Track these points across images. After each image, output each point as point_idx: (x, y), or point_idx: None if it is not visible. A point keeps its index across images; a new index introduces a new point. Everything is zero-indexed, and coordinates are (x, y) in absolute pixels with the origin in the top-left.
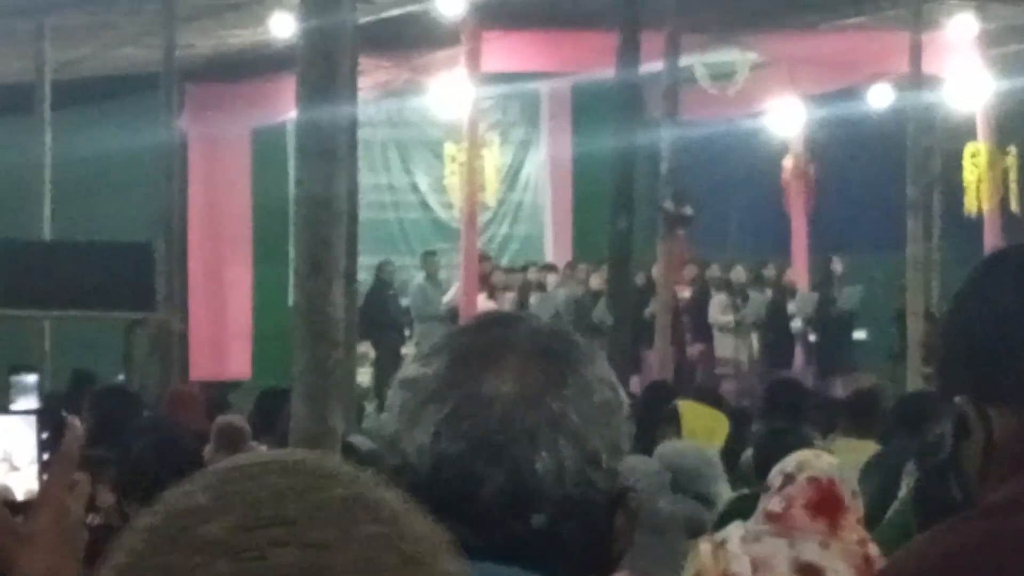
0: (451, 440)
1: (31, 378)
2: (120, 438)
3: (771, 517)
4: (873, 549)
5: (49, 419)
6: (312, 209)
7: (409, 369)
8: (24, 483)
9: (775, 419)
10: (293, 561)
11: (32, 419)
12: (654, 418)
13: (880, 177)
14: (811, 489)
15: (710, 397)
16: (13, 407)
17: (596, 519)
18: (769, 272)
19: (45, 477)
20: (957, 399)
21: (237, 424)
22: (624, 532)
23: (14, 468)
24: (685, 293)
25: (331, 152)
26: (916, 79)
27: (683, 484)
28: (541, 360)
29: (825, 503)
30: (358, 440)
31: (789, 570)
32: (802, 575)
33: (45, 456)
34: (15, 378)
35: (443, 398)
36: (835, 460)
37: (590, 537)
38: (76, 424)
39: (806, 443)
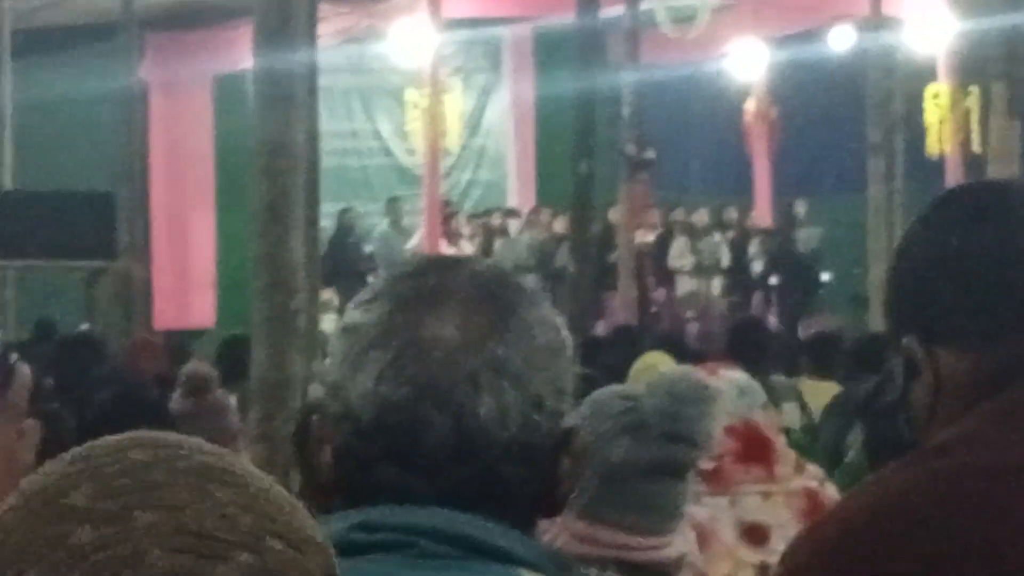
0: (394, 386)
1: None
2: (82, 388)
3: (705, 476)
4: (813, 474)
5: None
6: (270, 156)
7: (350, 315)
8: None
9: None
10: (154, 521)
11: None
12: (621, 364)
13: (842, 119)
14: (731, 440)
15: (673, 344)
16: None
17: (540, 462)
18: (731, 215)
19: None
20: (905, 339)
21: (204, 371)
22: (570, 475)
23: None
24: (648, 237)
25: (288, 99)
26: (877, 21)
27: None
28: (482, 304)
29: (752, 449)
30: (319, 389)
31: (735, 534)
32: (748, 538)
33: None
34: None
35: (385, 344)
36: (731, 385)
37: (535, 480)
38: (24, 371)
39: (770, 387)
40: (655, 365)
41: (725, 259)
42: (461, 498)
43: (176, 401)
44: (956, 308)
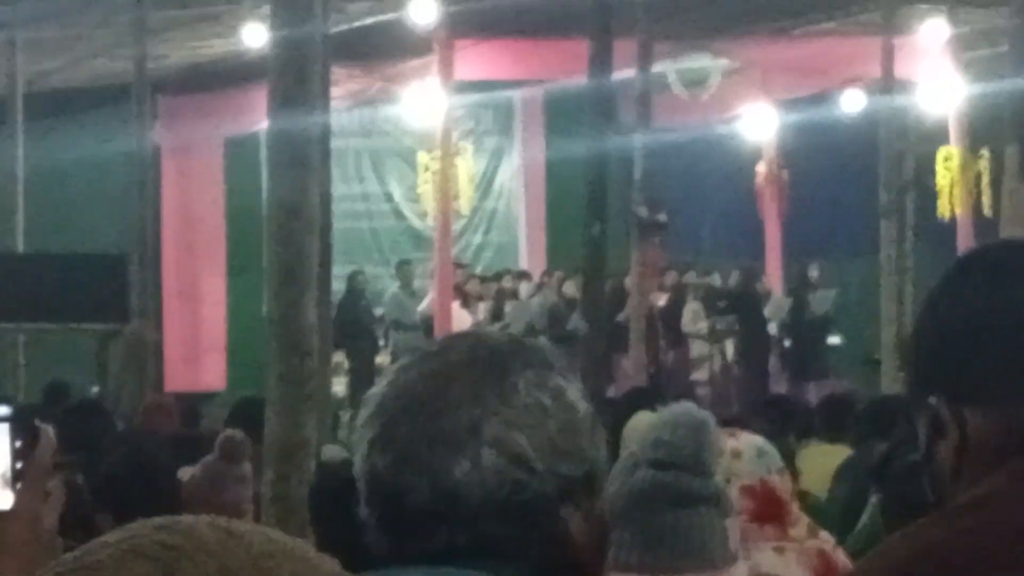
0: (380, 455)
1: (2, 411)
2: (92, 453)
3: None
4: (825, 539)
5: (22, 427)
6: (284, 219)
7: (371, 389)
8: None
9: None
10: None
11: (5, 427)
12: None
13: (853, 182)
14: (747, 500)
15: None
16: None
17: (535, 520)
18: (742, 278)
19: (19, 486)
20: (931, 399)
21: (240, 438)
22: (588, 536)
23: None
24: (660, 301)
25: (303, 161)
26: (888, 84)
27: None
28: (471, 369)
29: (766, 509)
30: (332, 450)
31: None
32: None
33: (18, 465)
34: None
35: (380, 415)
36: (750, 446)
37: (535, 539)
38: (49, 432)
39: (787, 450)
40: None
41: (738, 323)
42: (450, 558)
43: (208, 464)
44: (983, 368)
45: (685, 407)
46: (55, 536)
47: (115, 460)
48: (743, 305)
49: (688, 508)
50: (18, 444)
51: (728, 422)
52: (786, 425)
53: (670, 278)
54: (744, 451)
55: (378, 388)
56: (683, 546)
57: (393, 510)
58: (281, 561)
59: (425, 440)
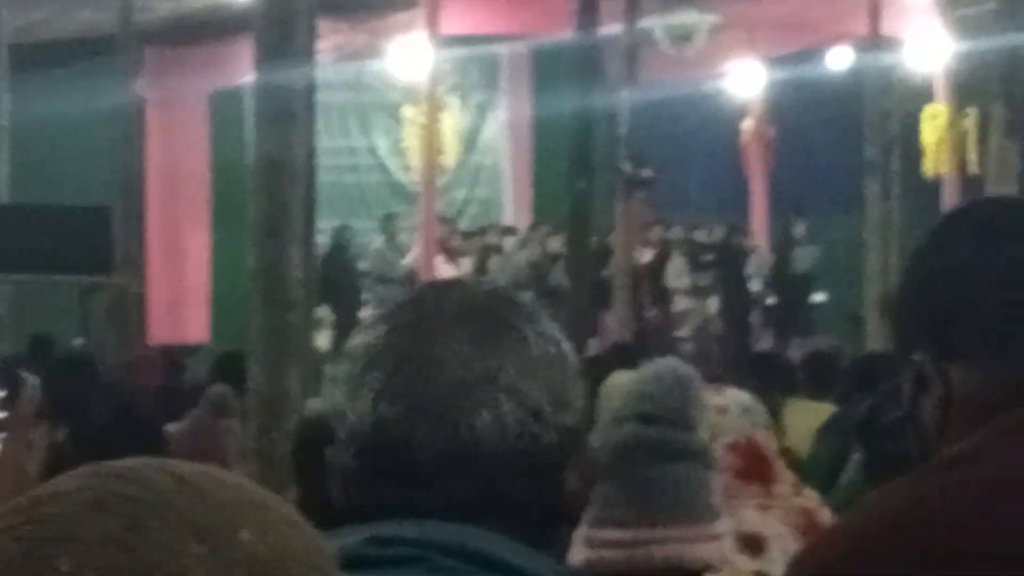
0: (389, 404)
1: None
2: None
3: None
4: (809, 496)
5: (6, 378)
6: (269, 172)
7: (353, 340)
8: None
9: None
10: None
11: None
12: None
13: (839, 139)
14: (732, 456)
15: None
16: None
17: (544, 474)
18: (728, 234)
19: (2, 436)
20: (916, 355)
21: (228, 394)
22: (579, 490)
23: None
24: (644, 256)
25: (288, 115)
26: (875, 41)
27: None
28: (475, 320)
29: (751, 466)
30: (316, 404)
31: (732, 543)
32: (745, 547)
33: (2, 415)
34: None
35: (381, 365)
36: (736, 403)
37: (541, 493)
38: (33, 383)
39: (775, 407)
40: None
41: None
42: (462, 512)
43: (196, 418)
44: (968, 324)
45: (670, 362)
46: (38, 484)
47: (101, 413)
48: (726, 261)
49: (673, 462)
50: (1, 394)
51: (713, 379)
52: (770, 382)
53: (655, 234)
54: (730, 407)
55: (367, 338)
56: (669, 500)
57: (404, 461)
58: (242, 510)
59: (443, 390)
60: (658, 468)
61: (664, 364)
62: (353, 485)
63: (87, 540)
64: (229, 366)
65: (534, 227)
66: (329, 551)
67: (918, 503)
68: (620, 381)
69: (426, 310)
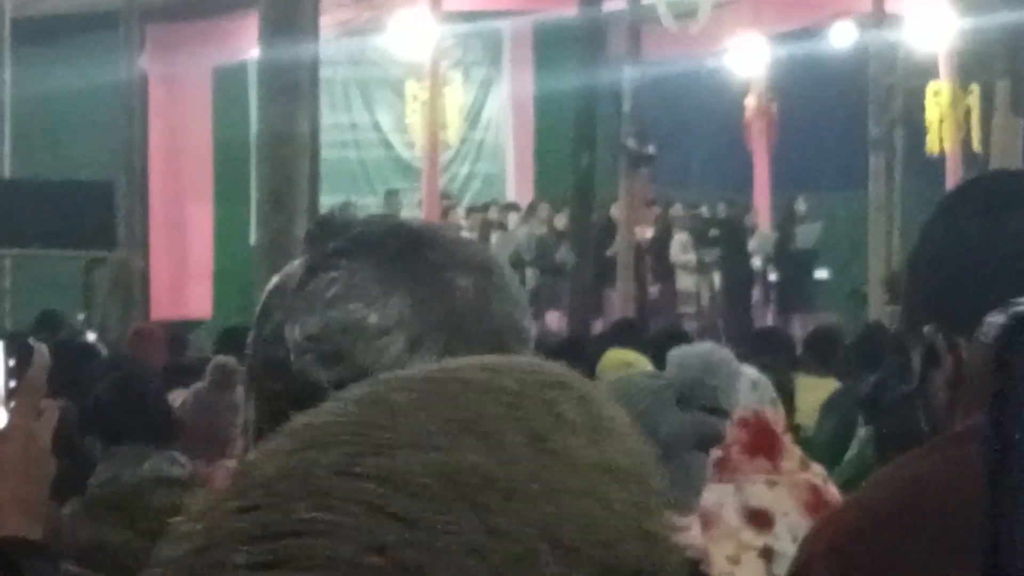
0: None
1: None
2: (82, 376)
3: (713, 464)
4: (816, 472)
5: (16, 346)
6: (274, 146)
7: (359, 314)
8: None
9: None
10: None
11: None
12: None
13: (842, 116)
14: (740, 431)
15: (676, 338)
16: None
17: None
18: (731, 210)
19: (12, 405)
20: (925, 329)
21: (232, 366)
22: None
23: None
24: (647, 233)
25: (293, 89)
26: (878, 17)
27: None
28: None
29: (760, 441)
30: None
31: (739, 518)
32: (752, 522)
33: (12, 384)
34: None
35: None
36: (744, 378)
37: None
38: (43, 351)
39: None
40: (625, 361)
41: (724, 254)
42: None
43: (199, 392)
44: (977, 297)
45: (725, 352)
46: (48, 454)
47: (104, 386)
48: (728, 237)
49: (706, 450)
50: (11, 363)
51: None
52: (776, 358)
53: (657, 211)
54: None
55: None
56: (699, 484)
57: None
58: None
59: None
60: (700, 457)
61: (718, 354)
62: None
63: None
64: (234, 340)
65: (535, 203)
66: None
67: (930, 478)
68: (619, 358)
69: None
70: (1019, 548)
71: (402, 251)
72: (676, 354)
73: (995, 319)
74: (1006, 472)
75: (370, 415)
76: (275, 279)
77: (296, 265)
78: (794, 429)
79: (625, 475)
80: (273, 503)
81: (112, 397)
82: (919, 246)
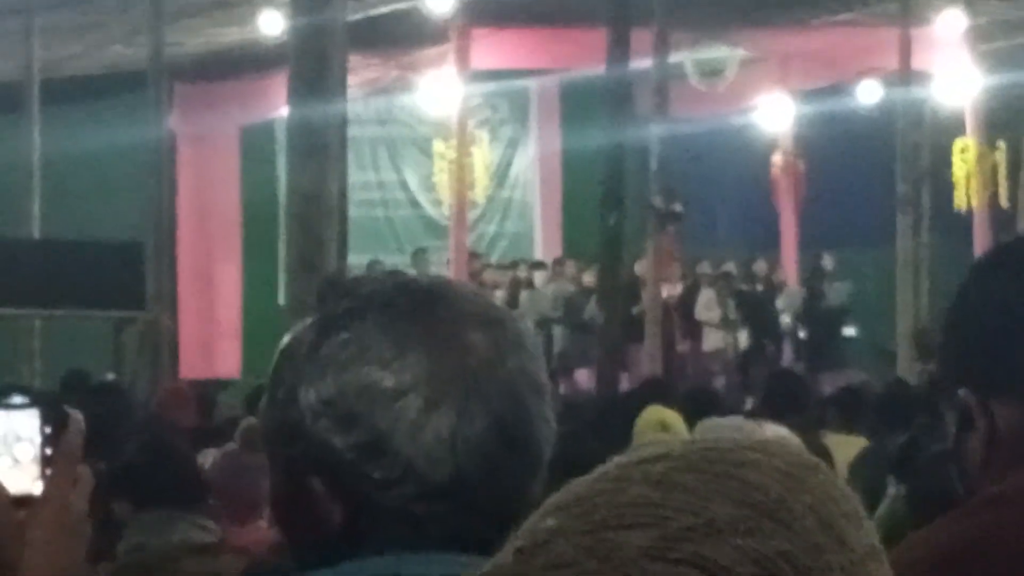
0: (469, 427)
1: (18, 401)
2: (112, 438)
3: None
4: None
5: (52, 413)
6: (303, 206)
7: (377, 375)
8: (26, 478)
9: (773, 414)
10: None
11: (35, 413)
12: None
13: (869, 173)
14: None
15: (704, 397)
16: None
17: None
18: (759, 268)
19: (48, 472)
20: (960, 391)
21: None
22: None
23: (16, 463)
24: (675, 290)
25: (322, 149)
26: (905, 75)
27: None
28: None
29: None
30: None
31: None
32: None
33: (48, 451)
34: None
35: (444, 396)
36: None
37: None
38: (79, 418)
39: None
40: (661, 420)
41: (752, 312)
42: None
43: (229, 454)
44: (1012, 361)
45: (747, 425)
46: (85, 522)
47: (135, 448)
48: (756, 295)
49: None
50: (47, 430)
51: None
52: (804, 416)
53: (683, 268)
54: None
55: (396, 377)
56: None
57: (487, 498)
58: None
59: (511, 399)
60: None
61: (735, 422)
62: (405, 523)
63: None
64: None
65: (561, 260)
66: None
67: (964, 542)
68: (652, 417)
69: (444, 325)
70: None
71: (413, 309)
72: (707, 426)
73: None
74: None
75: (667, 497)
76: (285, 340)
77: (306, 326)
78: None
79: (880, 556)
80: None
81: (142, 461)
82: (953, 309)
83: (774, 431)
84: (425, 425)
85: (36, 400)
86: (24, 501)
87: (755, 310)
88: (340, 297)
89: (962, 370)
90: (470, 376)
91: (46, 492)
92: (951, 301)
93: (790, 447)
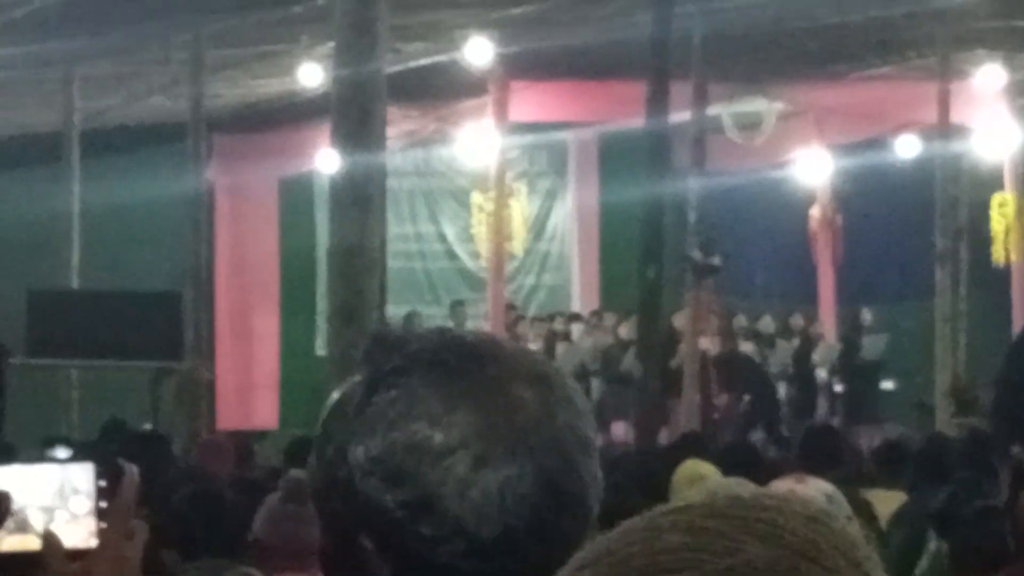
0: (518, 483)
1: (63, 454)
2: (155, 487)
3: None
4: None
5: (106, 467)
6: (345, 258)
7: (423, 432)
8: (82, 532)
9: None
10: None
11: (90, 467)
12: None
13: (907, 227)
14: None
15: (744, 452)
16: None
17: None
18: (796, 322)
19: (103, 525)
20: (1015, 449)
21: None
22: None
23: (72, 516)
24: (712, 344)
25: (365, 201)
26: (944, 129)
27: None
28: (539, 383)
29: None
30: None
31: None
32: None
33: (102, 504)
34: (49, 452)
35: (502, 457)
36: (820, 493)
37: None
38: (134, 471)
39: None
40: (699, 474)
41: (790, 366)
42: None
43: (273, 506)
44: None
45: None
46: (138, 574)
47: (182, 497)
48: (793, 349)
49: None
50: (102, 483)
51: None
52: (841, 471)
53: (721, 322)
54: (813, 492)
55: (442, 433)
56: None
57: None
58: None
59: (560, 456)
60: None
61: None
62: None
63: None
64: (304, 451)
65: (598, 313)
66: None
67: None
68: (690, 472)
69: (491, 383)
70: None
71: (462, 366)
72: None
73: None
74: None
75: (700, 541)
76: (334, 397)
77: (354, 383)
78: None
79: None
80: None
81: (190, 510)
82: (1006, 367)
83: (817, 486)
84: (474, 482)
85: (80, 452)
86: (79, 554)
87: (793, 364)
88: (388, 353)
89: (1016, 427)
90: (519, 433)
91: (102, 545)
92: (1002, 358)
93: (806, 498)
